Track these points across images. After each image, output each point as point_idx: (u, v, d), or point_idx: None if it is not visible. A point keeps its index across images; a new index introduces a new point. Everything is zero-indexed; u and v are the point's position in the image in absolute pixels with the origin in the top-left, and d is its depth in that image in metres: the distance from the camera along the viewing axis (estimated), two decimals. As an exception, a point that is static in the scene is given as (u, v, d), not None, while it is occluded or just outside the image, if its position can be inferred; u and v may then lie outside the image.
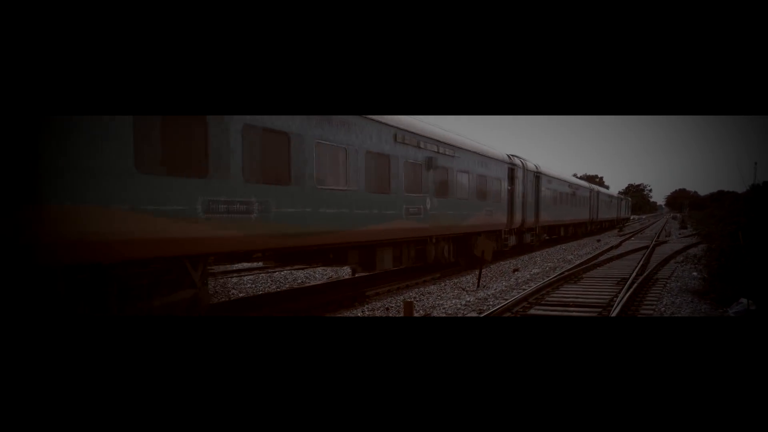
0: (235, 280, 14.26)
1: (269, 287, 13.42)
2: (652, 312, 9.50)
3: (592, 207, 39.09)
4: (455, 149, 15.02)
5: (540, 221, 23.95)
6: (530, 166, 22.79)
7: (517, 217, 20.47)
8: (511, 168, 19.99)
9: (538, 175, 23.67)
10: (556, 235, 29.46)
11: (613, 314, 8.72)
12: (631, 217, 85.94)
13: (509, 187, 19.71)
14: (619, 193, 75.95)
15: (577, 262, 18.15)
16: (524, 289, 12.00)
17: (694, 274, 13.29)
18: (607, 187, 74.92)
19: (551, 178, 26.21)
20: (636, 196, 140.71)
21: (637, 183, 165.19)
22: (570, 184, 31.17)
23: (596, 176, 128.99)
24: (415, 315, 9.46)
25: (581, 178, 52.01)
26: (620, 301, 9.80)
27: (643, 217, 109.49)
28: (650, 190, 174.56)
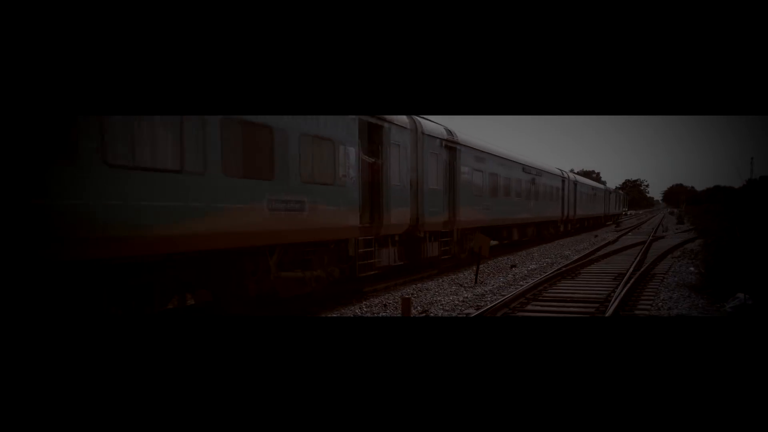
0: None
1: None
2: (649, 307, 9.54)
3: (566, 201, 30.43)
4: None
5: (459, 220, 15.28)
6: (434, 130, 13.86)
7: (399, 214, 12.15)
8: (375, 126, 11.20)
9: (452, 147, 14.73)
10: (507, 239, 21.10)
11: (611, 309, 8.75)
12: (628, 212, 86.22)
13: (371, 161, 11.24)
14: (616, 188, 75.84)
15: (575, 257, 18.21)
16: (522, 285, 12.03)
17: (691, 269, 13.34)
18: (604, 183, 74.84)
19: (483, 155, 17.15)
20: (633, 191, 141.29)
21: (634, 178, 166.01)
22: (525, 167, 22.10)
23: (593, 172, 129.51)
24: (413, 311, 9.48)
25: (578, 173, 50.08)
26: (618, 296, 9.83)
27: (640, 212, 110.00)
28: (647, 186, 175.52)
